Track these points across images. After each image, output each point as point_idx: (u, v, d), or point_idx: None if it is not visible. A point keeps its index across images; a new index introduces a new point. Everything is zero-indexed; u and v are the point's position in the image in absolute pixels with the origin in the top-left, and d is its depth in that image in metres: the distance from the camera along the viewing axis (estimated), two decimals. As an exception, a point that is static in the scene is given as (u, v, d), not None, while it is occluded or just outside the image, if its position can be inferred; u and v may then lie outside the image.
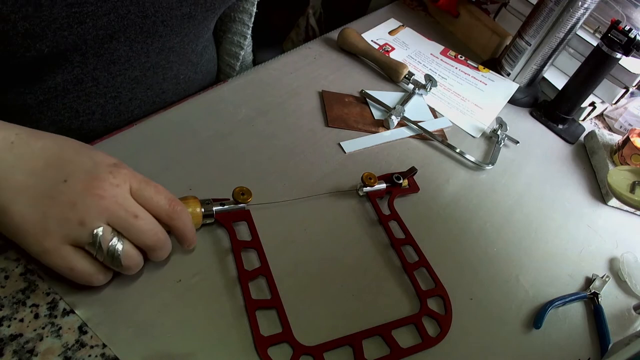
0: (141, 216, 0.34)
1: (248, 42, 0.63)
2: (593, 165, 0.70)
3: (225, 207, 0.43)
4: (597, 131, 0.72)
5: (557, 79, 0.79)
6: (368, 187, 0.50)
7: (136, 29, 0.45)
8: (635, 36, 0.62)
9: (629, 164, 0.65)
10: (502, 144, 0.65)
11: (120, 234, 0.33)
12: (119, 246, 0.33)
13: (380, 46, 0.77)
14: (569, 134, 0.74)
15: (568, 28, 0.68)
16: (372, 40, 0.77)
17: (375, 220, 0.50)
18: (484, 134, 0.67)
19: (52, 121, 0.47)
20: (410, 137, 0.62)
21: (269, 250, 0.42)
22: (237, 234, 0.43)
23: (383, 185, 0.52)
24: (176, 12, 0.47)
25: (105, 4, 0.40)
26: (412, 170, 0.54)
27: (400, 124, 0.63)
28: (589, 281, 0.53)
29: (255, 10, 0.60)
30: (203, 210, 0.41)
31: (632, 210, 0.64)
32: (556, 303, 0.48)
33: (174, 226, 0.37)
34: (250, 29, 0.62)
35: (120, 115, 0.51)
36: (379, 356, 0.39)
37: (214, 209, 0.42)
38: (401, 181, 0.52)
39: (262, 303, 0.39)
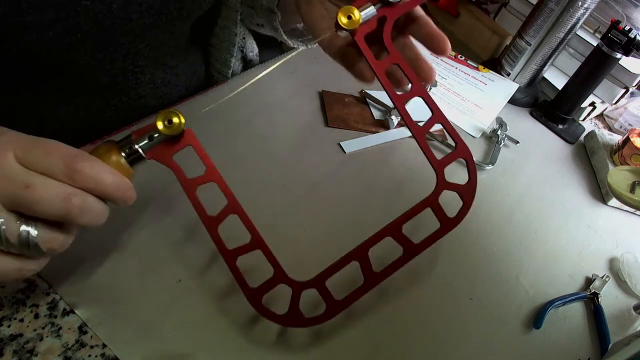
0: (34, 183, 0.27)
1: (237, 50, 0.60)
2: (593, 165, 0.70)
3: (155, 139, 0.33)
4: (597, 131, 0.72)
5: (557, 79, 0.79)
6: (345, 28, 0.36)
7: (93, 40, 0.42)
8: (635, 36, 0.62)
9: (629, 164, 0.65)
10: (502, 144, 0.65)
11: (28, 217, 0.28)
12: (32, 232, 0.28)
13: (380, 46, 0.77)
14: (569, 134, 0.74)
15: (568, 28, 0.68)
16: (372, 40, 0.77)
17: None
18: (484, 134, 0.67)
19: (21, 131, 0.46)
20: (410, 137, 0.62)
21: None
22: (185, 169, 0.34)
23: (372, 11, 0.37)
24: (137, 22, 0.44)
25: (45, 15, 0.37)
26: None
27: (400, 124, 0.63)
28: (589, 281, 0.53)
29: (240, 16, 0.56)
30: (124, 154, 0.32)
31: (632, 210, 0.64)
32: (556, 303, 0.48)
33: (84, 189, 0.29)
34: (238, 35, 0.58)
35: (94, 124, 0.50)
36: (392, 260, 0.35)
37: (138, 147, 0.32)
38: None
39: (242, 249, 0.34)
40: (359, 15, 0.36)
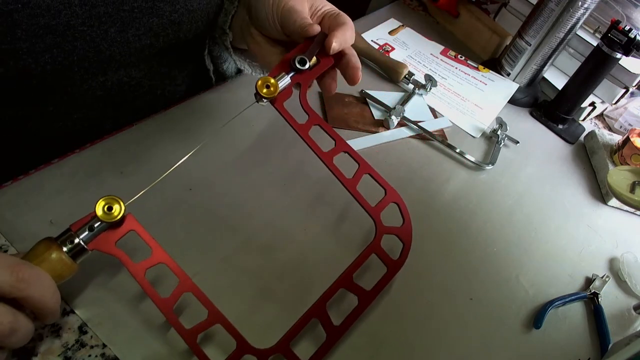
0: None
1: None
2: (593, 165, 0.70)
3: (96, 229, 0.32)
4: (597, 131, 0.72)
5: (557, 79, 0.79)
6: (265, 97, 0.39)
7: (89, 61, 0.43)
8: (635, 36, 0.62)
9: (629, 164, 0.65)
10: (502, 144, 0.65)
11: None
12: None
13: (380, 46, 0.77)
14: (569, 134, 0.74)
15: (568, 28, 0.68)
16: (372, 40, 0.77)
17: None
18: (484, 134, 0.67)
19: (14, 144, 0.46)
20: (410, 137, 0.62)
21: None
22: (131, 254, 0.33)
23: (287, 80, 0.40)
24: (134, 44, 0.44)
25: (40, 41, 0.37)
26: (318, 37, 0.41)
27: (400, 124, 0.63)
28: (589, 281, 0.53)
29: (230, 34, 0.53)
30: (66, 249, 0.31)
31: (632, 210, 0.64)
32: (556, 303, 0.48)
33: (25, 298, 0.27)
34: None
35: (93, 136, 0.49)
36: (349, 312, 0.37)
37: (79, 239, 0.31)
38: (307, 64, 0.40)
39: (201, 327, 0.33)
40: (276, 84, 0.39)
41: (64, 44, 0.39)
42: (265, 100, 0.39)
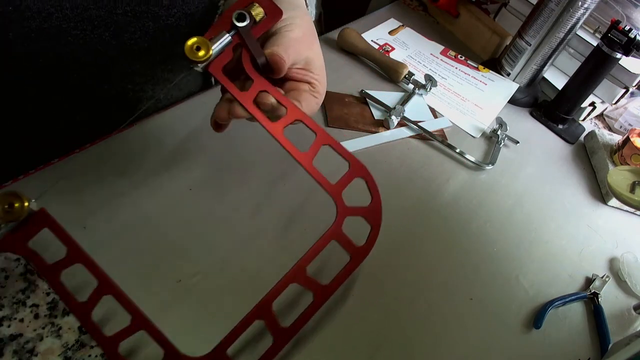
0: None
1: None
2: (593, 165, 0.70)
3: (3, 229, 0.29)
4: (597, 131, 0.72)
5: (557, 79, 0.79)
6: (201, 61, 0.33)
7: (88, 66, 0.43)
8: (635, 36, 0.62)
9: (629, 164, 0.65)
10: (502, 144, 0.65)
11: None
12: None
13: (380, 46, 0.77)
14: (569, 134, 0.74)
15: (568, 28, 0.68)
16: (372, 40, 0.77)
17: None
18: (484, 134, 0.67)
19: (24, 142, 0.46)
20: (410, 137, 0.62)
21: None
22: (44, 254, 0.30)
23: (226, 37, 0.34)
24: (131, 48, 0.44)
25: (33, 44, 0.37)
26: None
27: (400, 124, 0.63)
28: (589, 281, 0.53)
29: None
30: None
31: (632, 210, 0.64)
32: (556, 303, 0.48)
33: None
34: None
35: (97, 137, 0.49)
36: (304, 309, 0.33)
37: None
38: (246, 20, 0.34)
39: (124, 333, 0.30)
40: (208, 47, 0.33)
41: (57, 47, 0.39)
42: (199, 65, 0.34)
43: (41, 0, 0.36)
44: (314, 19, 0.53)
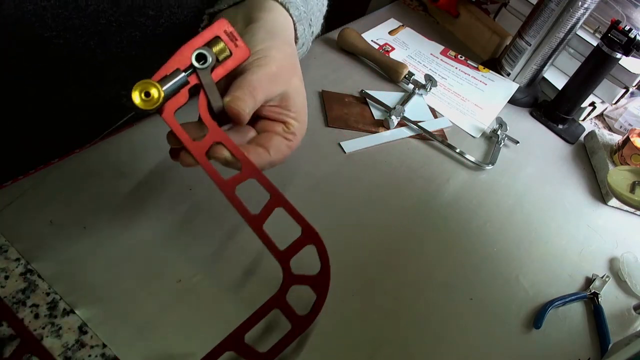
0: None
1: None
2: (593, 165, 0.70)
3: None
4: (597, 131, 0.72)
5: (557, 79, 0.79)
6: (142, 108, 0.29)
7: (78, 73, 0.43)
8: (635, 36, 0.62)
9: (629, 164, 0.65)
10: (502, 144, 0.65)
11: None
12: None
13: (380, 46, 0.77)
14: (569, 134, 0.74)
15: (568, 28, 0.68)
16: (372, 40, 0.77)
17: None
18: (484, 134, 0.67)
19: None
20: (410, 137, 0.62)
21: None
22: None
23: (181, 77, 0.30)
24: (118, 55, 0.44)
25: (16, 53, 0.37)
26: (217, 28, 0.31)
27: (400, 124, 0.63)
28: (589, 281, 0.53)
29: None
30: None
31: (632, 210, 0.64)
32: (556, 303, 0.48)
33: None
34: None
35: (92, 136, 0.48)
36: None
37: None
38: (209, 61, 0.31)
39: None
40: (159, 92, 0.29)
41: (40, 55, 0.39)
42: (151, 111, 0.30)
43: (21, 9, 0.36)
44: (313, 37, 0.48)
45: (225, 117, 0.33)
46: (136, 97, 0.29)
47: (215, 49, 0.31)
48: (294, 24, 0.40)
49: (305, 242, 0.34)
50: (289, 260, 0.34)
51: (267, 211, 0.33)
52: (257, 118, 0.36)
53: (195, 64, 0.30)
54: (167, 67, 0.30)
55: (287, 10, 0.39)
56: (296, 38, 0.41)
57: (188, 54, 0.30)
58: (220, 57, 0.31)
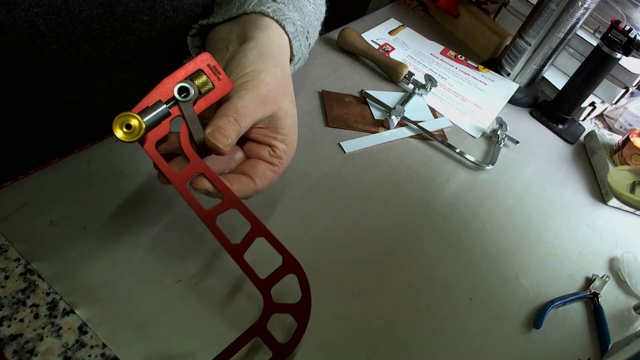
0: None
1: None
2: (593, 165, 0.70)
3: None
4: (597, 131, 0.72)
5: (557, 79, 0.79)
6: (124, 141, 0.29)
7: (72, 78, 0.43)
8: (635, 36, 0.62)
9: (629, 164, 0.65)
10: (502, 144, 0.65)
11: None
12: None
13: (380, 46, 0.77)
14: (569, 134, 0.74)
15: (568, 28, 0.68)
16: (372, 40, 0.77)
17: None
18: (484, 134, 0.67)
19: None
20: (410, 137, 0.62)
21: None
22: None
23: (163, 109, 0.30)
24: (113, 60, 0.44)
25: (9, 59, 0.37)
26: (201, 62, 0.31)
27: (400, 124, 0.63)
28: (589, 281, 0.53)
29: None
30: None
31: (632, 210, 0.64)
32: (556, 303, 0.48)
33: None
34: None
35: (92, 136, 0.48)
36: None
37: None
38: (192, 94, 0.31)
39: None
40: (140, 123, 0.29)
41: (34, 61, 0.38)
42: (133, 142, 0.30)
43: (12, 15, 0.36)
44: (311, 46, 0.47)
45: (204, 151, 0.33)
46: (117, 131, 0.29)
47: (198, 81, 0.31)
48: (290, 42, 0.40)
49: (286, 271, 0.34)
50: (269, 289, 0.34)
51: (248, 241, 0.34)
52: (245, 141, 0.36)
53: (178, 96, 0.31)
54: (149, 98, 0.30)
55: (283, 28, 0.39)
56: (292, 55, 0.41)
57: (171, 86, 0.30)
58: (203, 90, 0.31)
